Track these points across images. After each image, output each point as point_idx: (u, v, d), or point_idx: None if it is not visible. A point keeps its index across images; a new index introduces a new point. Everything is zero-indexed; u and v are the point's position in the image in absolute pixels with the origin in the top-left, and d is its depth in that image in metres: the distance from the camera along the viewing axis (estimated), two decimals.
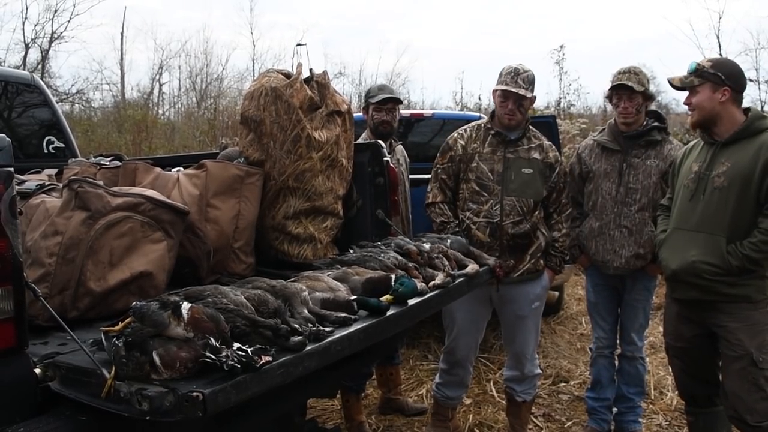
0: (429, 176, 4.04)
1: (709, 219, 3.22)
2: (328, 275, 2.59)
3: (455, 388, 4.17)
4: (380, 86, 4.67)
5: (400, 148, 4.65)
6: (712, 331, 3.33)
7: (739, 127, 3.22)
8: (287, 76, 3.42)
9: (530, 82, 3.75)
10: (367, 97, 4.56)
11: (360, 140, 4.06)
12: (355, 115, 3.75)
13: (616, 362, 4.33)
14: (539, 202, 3.81)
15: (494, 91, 3.84)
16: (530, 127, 3.89)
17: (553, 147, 3.93)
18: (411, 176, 4.80)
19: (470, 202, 3.80)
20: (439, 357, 5.63)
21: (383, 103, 4.42)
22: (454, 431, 4.34)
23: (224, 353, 1.74)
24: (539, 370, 4.17)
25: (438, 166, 3.95)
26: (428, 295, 2.67)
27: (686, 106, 3.37)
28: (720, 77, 3.21)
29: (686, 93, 3.34)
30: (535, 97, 3.85)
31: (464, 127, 3.98)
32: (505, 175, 3.76)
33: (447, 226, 3.82)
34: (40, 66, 21.03)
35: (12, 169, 1.89)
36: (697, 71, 3.25)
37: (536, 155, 3.81)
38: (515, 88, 3.70)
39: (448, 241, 3.32)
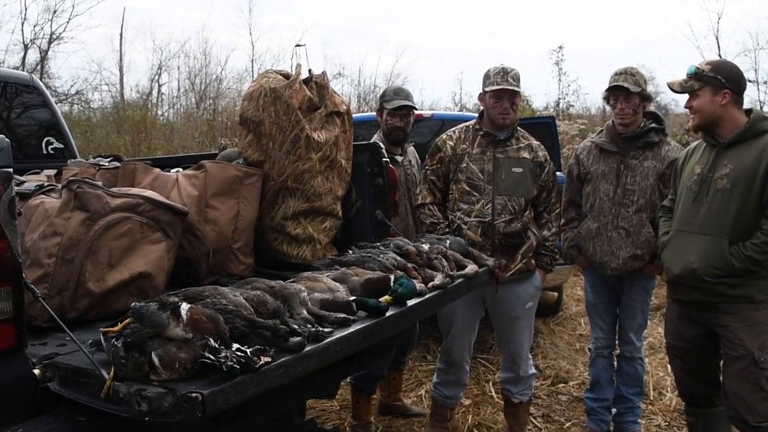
0: None
1: (711, 221, 3.22)
2: (327, 276, 2.59)
3: (453, 388, 4.18)
4: (396, 90, 4.56)
5: (411, 149, 4.62)
6: (713, 332, 3.32)
7: (741, 129, 3.22)
8: (286, 76, 3.42)
9: (518, 80, 3.78)
10: (382, 100, 4.49)
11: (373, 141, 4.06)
12: (354, 115, 3.75)
13: (615, 363, 4.34)
14: (530, 201, 3.84)
15: (484, 94, 3.84)
16: (518, 127, 3.91)
17: (542, 146, 3.96)
18: None
19: (461, 203, 3.81)
20: (438, 357, 5.67)
21: (398, 109, 4.36)
22: (454, 431, 4.35)
23: (223, 354, 1.74)
24: (534, 370, 4.17)
25: (427, 167, 3.97)
26: (427, 296, 2.67)
27: (687, 109, 3.37)
28: (720, 80, 3.21)
29: (686, 96, 3.35)
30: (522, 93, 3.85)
31: (453, 128, 4.00)
32: (495, 174, 3.77)
33: (437, 227, 3.84)
34: (39, 67, 20.99)
35: (11, 169, 1.89)
36: (697, 75, 3.25)
37: (526, 155, 3.84)
38: (507, 86, 3.73)
39: (447, 241, 3.33)
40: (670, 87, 3.37)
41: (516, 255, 3.80)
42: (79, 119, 19.20)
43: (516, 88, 3.74)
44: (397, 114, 4.36)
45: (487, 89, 3.79)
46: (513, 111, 3.80)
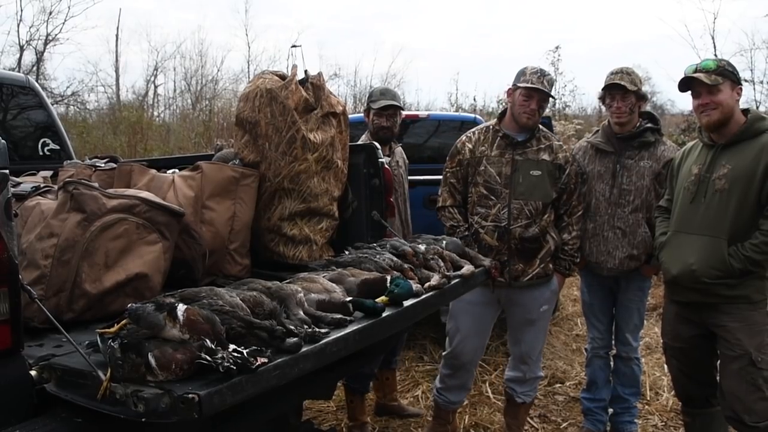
0: (424, 177, 4.04)
1: (710, 221, 3.22)
2: (323, 277, 2.59)
3: (458, 392, 4.13)
4: (382, 90, 4.60)
5: (399, 149, 4.63)
6: (710, 332, 3.33)
7: (739, 129, 3.22)
8: (282, 77, 3.42)
9: (552, 86, 3.76)
10: (369, 101, 4.52)
11: (360, 142, 4.06)
12: (350, 116, 3.75)
13: (612, 363, 4.34)
14: (549, 204, 3.78)
15: (513, 90, 3.79)
16: (541, 127, 3.87)
17: (563, 147, 3.90)
18: (412, 177, 4.79)
19: (479, 206, 3.78)
20: (435, 358, 5.66)
21: (384, 109, 4.38)
22: None
23: (220, 355, 1.74)
24: (542, 373, 4.16)
25: (447, 170, 3.94)
26: (424, 297, 2.67)
27: (704, 105, 3.23)
28: (736, 76, 3.23)
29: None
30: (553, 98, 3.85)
31: (473, 129, 3.96)
32: (513, 178, 3.72)
33: (457, 230, 3.83)
34: (35, 68, 20.91)
35: (7, 171, 1.88)
36: (719, 69, 3.21)
37: (545, 156, 3.78)
38: (540, 86, 3.70)
39: (444, 242, 3.33)
40: (697, 79, 3.21)
41: (534, 260, 3.77)
42: (75, 120, 19.12)
43: (549, 93, 3.73)
44: (383, 114, 4.39)
45: (520, 85, 3.73)
46: (539, 114, 3.76)
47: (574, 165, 3.91)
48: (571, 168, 3.85)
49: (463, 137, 3.93)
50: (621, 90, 3.90)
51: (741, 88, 3.26)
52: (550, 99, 3.86)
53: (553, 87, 3.79)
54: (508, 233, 3.71)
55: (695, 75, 3.23)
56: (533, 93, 3.71)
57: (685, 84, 3.30)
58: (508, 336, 4.18)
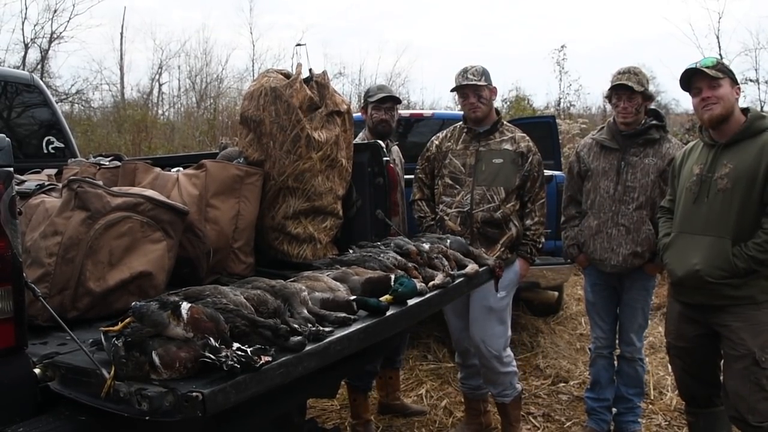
0: None
1: (713, 221, 3.21)
2: (327, 275, 2.58)
3: (477, 377, 4.26)
4: (379, 86, 4.71)
5: (395, 148, 4.66)
6: (714, 331, 3.32)
7: (740, 128, 3.21)
8: (287, 76, 3.42)
9: (480, 74, 3.92)
10: (366, 97, 4.59)
11: (357, 140, 4.07)
12: (355, 115, 3.75)
13: (616, 363, 4.33)
14: (512, 191, 3.91)
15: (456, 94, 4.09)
16: (504, 122, 4.06)
17: (526, 138, 4.04)
18: (408, 176, 4.80)
19: (444, 196, 4.02)
20: (439, 357, 5.72)
21: (382, 102, 4.44)
22: (486, 428, 4.39)
23: (224, 353, 1.74)
24: (513, 368, 4.09)
25: (417, 167, 4.25)
26: (428, 295, 2.67)
27: (705, 99, 3.23)
28: (734, 75, 3.24)
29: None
30: (494, 87, 4.02)
31: (444, 129, 4.21)
32: (476, 167, 3.93)
33: (423, 221, 4.11)
34: (39, 66, 20.97)
35: (12, 169, 1.89)
36: (719, 65, 3.24)
37: (507, 146, 3.96)
38: (466, 81, 3.90)
39: (448, 241, 3.33)
40: (701, 70, 3.20)
41: (496, 245, 3.89)
42: (80, 118, 19.19)
43: (473, 82, 3.88)
44: (381, 107, 4.45)
45: (451, 90, 4.01)
46: (481, 104, 3.94)
47: (537, 155, 4.02)
48: (533, 157, 3.98)
49: (433, 137, 4.22)
50: (628, 90, 3.90)
51: (739, 89, 3.27)
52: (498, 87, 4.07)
53: (484, 74, 3.94)
54: (470, 217, 3.89)
55: (698, 67, 3.24)
56: (464, 90, 3.95)
57: (687, 80, 3.31)
58: (469, 330, 4.08)
